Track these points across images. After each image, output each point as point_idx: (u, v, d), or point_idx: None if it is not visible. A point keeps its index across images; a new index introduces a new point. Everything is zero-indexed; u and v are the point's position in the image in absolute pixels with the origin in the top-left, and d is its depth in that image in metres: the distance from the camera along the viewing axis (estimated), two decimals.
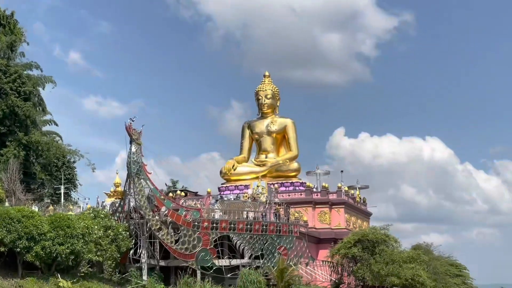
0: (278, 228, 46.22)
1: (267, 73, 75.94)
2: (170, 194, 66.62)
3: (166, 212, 41.04)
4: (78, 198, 72.70)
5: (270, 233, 45.59)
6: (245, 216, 46.38)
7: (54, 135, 71.78)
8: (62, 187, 68.97)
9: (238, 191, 67.66)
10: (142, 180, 40.83)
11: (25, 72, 63.48)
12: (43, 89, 67.64)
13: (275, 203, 49.09)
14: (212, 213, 46.05)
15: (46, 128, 71.96)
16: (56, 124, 72.37)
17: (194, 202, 48.52)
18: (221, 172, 72.23)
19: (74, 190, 76.57)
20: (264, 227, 45.29)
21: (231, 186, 70.08)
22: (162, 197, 41.72)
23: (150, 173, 41.34)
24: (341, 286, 55.22)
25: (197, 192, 73.24)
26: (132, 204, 41.45)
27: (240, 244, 43.98)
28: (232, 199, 60.01)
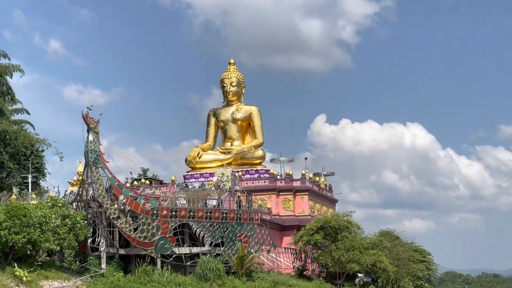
0: (238, 215, 46.42)
1: (232, 61, 76.10)
2: (135, 183, 66.75)
3: (124, 200, 41.00)
4: (48, 187, 72.74)
5: (231, 220, 45.78)
6: (206, 204, 46.62)
7: (25, 124, 71.54)
8: (30, 176, 68.91)
9: (203, 179, 67.96)
10: (100, 169, 40.76)
11: None
12: (11, 77, 67.27)
13: (235, 190, 49.12)
14: (176, 201, 46.21)
15: (18, 117, 71.65)
16: (28, 113, 72.23)
17: (152, 191, 48.39)
18: (186, 160, 72.44)
19: (43, 179, 76.55)
20: (224, 214, 45.46)
21: (197, 174, 70.30)
22: (120, 185, 41.58)
23: (108, 162, 41.26)
24: (305, 272, 55.65)
25: (162, 181, 73.45)
26: (90, 193, 41.37)
27: (200, 232, 44.11)
28: (197, 187, 60.25)
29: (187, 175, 70.94)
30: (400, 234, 65.40)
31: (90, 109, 40.49)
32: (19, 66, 67.50)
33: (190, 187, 60.44)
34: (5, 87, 66.70)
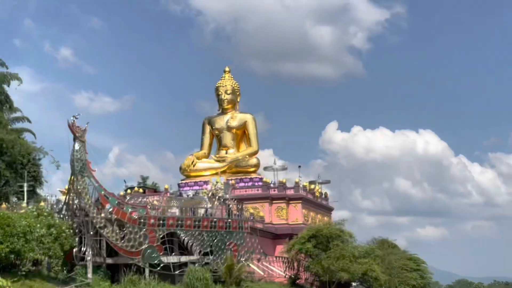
0: (227, 224, 46.17)
1: (227, 69, 76.06)
2: (128, 191, 66.62)
3: (111, 209, 40.79)
4: (45, 195, 72.64)
5: (220, 229, 45.55)
6: (198, 213, 46.42)
7: (25, 132, 71.49)
8: (25, 184, 68.75)
9: (197, 187, 67.71)
10: (86, 177, 40.57)
11: None
12: (8, 86, 67.18)
13: (225, 199, 48.90)
14: (169, 210, 46.04)
15: (19, 125, 71.50)
16: (29, 121, 72.18)
17: (139, 200, 48.16)
18: (180, 168, 72.26)
19: (39, 188, 76.48)
20: (213, 223, 45.23)
21: (191, 182, 70.19)
22: (106, 194, 41.36)
23: (94, 171, 41.08)
24: (297, 281, 55.39)
25: (156, 189, 73.32)
26: (76, 201, 41.19)
27: (188, 240, 43.88)
28: (191, 195, 60.04)
29: (181, 183, 70.81)
30: (396, 242, 65.22)
31: (77, 118, 40.38)
32: (17, 74, 67.66)
33: (184, 195, 60.30)
34: (2, 96, 66.64)
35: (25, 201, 65.73)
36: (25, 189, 68.83)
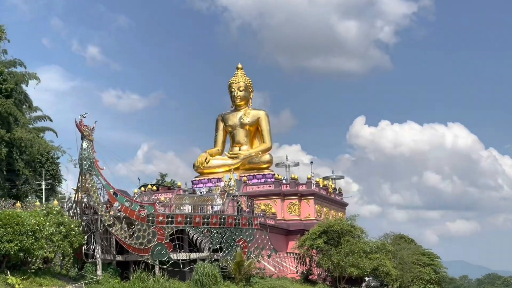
0: (237, 221, 46.39)
1: (240, 65, 76.12)
2: (142, 189, 66.98)
3: (119, 207, 41.17)
4: (64, 194, 73.37)
5: (229, 226, 45.74)
6: (207, 210, 46.72)
7: (47, 131, 72.20)
8: (43, 183, 69.60)
9: (211, 184, 68.01)
10: (94, 176, 40.99)
11: (7, 70, 63.71)
12: (27, 85, 67.86)
13: (234, 196, 49.12)
14: (182, 207, 46.37)
15: (41, 124, 72.13)
16: (50, 120, 72.82)
17: (148, 198, 48.53)
18: (194, 165, 72.55)
19: (58, 186, 77.35)
20: (222, 220, 45.44)
21: (204, 179, 70.48)
22: (115, 192, 41.76)
23: (102, 169, 41.49)
24: (310, 277, 55.57)
25: (170, 187, 73.64)
26: (85, 200, 41.63)
27: (197, 237, 44.15)
28: (205, 192, 60.32)
29: (195, 180, 71.11)
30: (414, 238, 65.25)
31: (84, 117, 40.79)
32: (35, 74, 68.03)
33: (197, 192, 60.55)
34: (22, 95, 67.31)
35: (43, 199, 66.63)
36: (43, 187, 69.75)
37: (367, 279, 59.85)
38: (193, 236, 44.12)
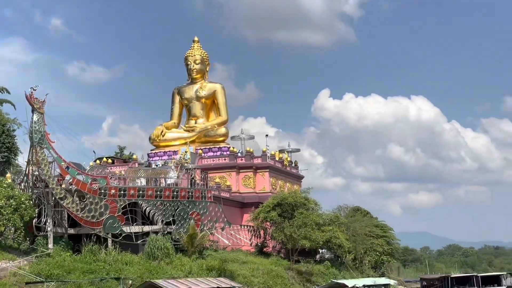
0: (190, 194, 46.50)
1: (196, 39, 75.71)
2: (97, 162, 66.63)
3: (71, 180, 41.00)
4: (22, 167, 72.60)
5: (182, 199, 45.88)
6: (163, 183, 46.76)
7: (4, 103, 71.19)
8: None
9: (167, 157, 67.83)
10: (45, 149, 40.70)
11: None
12: None
13: (187, 169, 49.17)
14: (136, 180, 46.35)
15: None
16: (8, 92, 71.78)
17: (101, 171, 48.35)
18: (150, 138, 72.31)
19: (15, 158, 76.46)
20: (175, 193, 45.55)
21: (160, 152, 70.26)
22: (67, 166, 41.54)
23: (53, 142, 41.20)
24: (265, 249, 55.93)
25: (125, 159, 73.31)
26: (36, 173, 41.37)
27: (150, 210, 44.22)
28: (160, 165, 60.19)
29: (151, 153, 70.87)
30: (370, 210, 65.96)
31: (35, 89, 40.36)
32: None
33: (153, 165, 60.45)
34: None
35: None
36: None
37: (321, 251, 60.45)
38: (145, 209, 44.18)
